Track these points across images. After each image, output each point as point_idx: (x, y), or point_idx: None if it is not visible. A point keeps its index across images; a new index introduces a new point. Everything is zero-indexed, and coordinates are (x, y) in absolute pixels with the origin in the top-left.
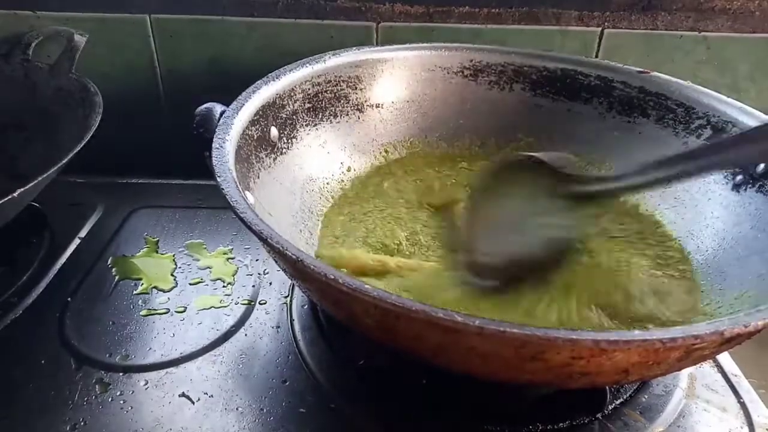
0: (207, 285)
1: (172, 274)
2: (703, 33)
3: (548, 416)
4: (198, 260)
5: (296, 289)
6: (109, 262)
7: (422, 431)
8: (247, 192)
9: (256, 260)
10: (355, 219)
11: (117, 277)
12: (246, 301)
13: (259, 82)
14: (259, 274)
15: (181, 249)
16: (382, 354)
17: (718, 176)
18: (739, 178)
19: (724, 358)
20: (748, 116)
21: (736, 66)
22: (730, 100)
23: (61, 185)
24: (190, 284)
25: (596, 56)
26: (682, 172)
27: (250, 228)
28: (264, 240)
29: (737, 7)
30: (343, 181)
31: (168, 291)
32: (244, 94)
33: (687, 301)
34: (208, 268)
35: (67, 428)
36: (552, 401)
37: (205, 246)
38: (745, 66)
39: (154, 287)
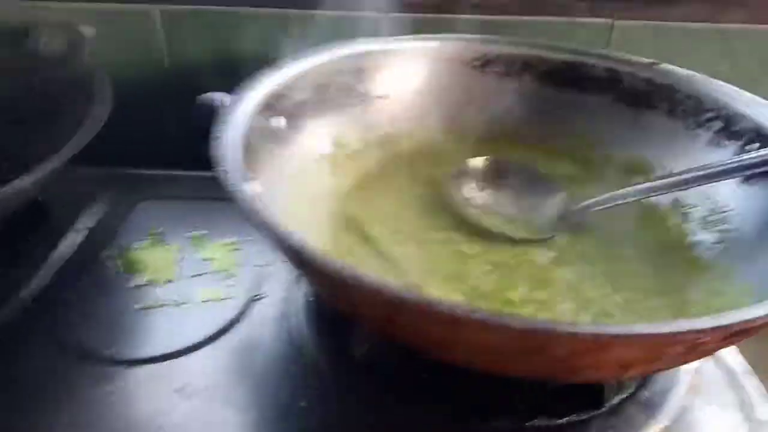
0: (209, 277)
1: (174, 266)
2: (717, 25)
3: (549, 411)
4: (201, 252)
5: (299, 281)
6: (111, 254)
7: (423, 425)
8: (250, 182)
9: (259, 252)
10: (363, 209)
11: (119, 269)
12: (248, 294)
13: (264, 71)
14: (262, 266)
15: (184, 241)
16: (385, 348)
17: None
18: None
19: (727, 353)
20: (759, 109)
21: (748, 58)
22: (740, 91)
23: (65, 177)
24: (193, 276)
25: (607, 48)
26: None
27: (252, 218)
28: (267, 230)
29: None
30: (348, 171)
31: (170, 283)
32: (249, 83)
33: None
34: (211, 260)
35: (66, 421)
36: (553, 396)
37: (208, 238)
38: (757, 58)
39: (157, 279)
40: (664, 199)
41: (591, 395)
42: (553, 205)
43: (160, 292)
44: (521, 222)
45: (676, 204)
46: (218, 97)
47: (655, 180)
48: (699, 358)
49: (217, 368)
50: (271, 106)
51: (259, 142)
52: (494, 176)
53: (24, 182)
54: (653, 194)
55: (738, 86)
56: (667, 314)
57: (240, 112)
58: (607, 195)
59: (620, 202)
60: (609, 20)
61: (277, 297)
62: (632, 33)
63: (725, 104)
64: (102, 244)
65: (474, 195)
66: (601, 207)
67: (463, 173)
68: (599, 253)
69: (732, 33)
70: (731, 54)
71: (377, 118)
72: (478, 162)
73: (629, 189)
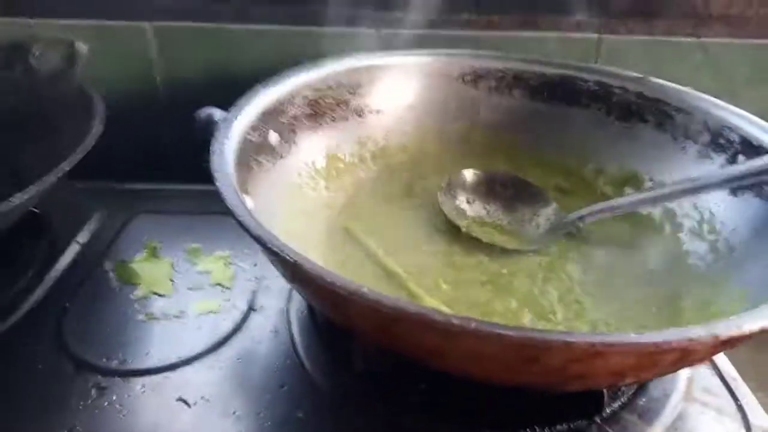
0: (205, 290)
1: (170, 279)
2: (701, 39)
3: (546, 419)
4: (197, 265)
5: (295, 294)
6: (107, 267)
7: None
8: (246, 196)
9: (255, 265)
10: (357, 222)
11: (116, 282)
12: (244, 306)
13: (259, 87)
14: (257, 279)
15: (179, 254)
16: (380, 359)
17: None
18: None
19: (722, 361)
20: (745, 122)
21: (733, 72)
22: (728, 105)
23: (61, 190)
24: (189, 289)
25: (595, 62)
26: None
27: (248, 232)
28: (262, 244)
29: (735, 14)
30: (343, 185)
31: (166, 296)
32: (244, 98)
33: None
34: (207, 273)
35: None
36: (549, 404)
37: (203, 251)
38: (742, 72)
39: (153, 292)
40: (658, 210)
41: (588, 403)
42: (544, 216)
43: (158, 305)
44: (514, 233)
45: (669, 214)
46: (217, 112)
47: (645, 192)
48: (692, 365)
49: (216, 379)
50: (266, 121)
51: (254, 157)
52: (486, 188)
53: (21, 197)
54: (643, 206)
55: (723, 99)
56: (661, 322)
57: (236, 127)
58: (597, 206)
59: (610, 213)
60: (597, 35)
61: (273, 309)
62: (619, 47)
63: (712, 117)
64: (99, 257)
65: (466, 206)
66: (592, 218)
67: (455, 185)
68: (593, 263)
69: (715, 47)
70: (714, 67)
71: (371, 132)
72: (469, 174)
73: (619, 201)
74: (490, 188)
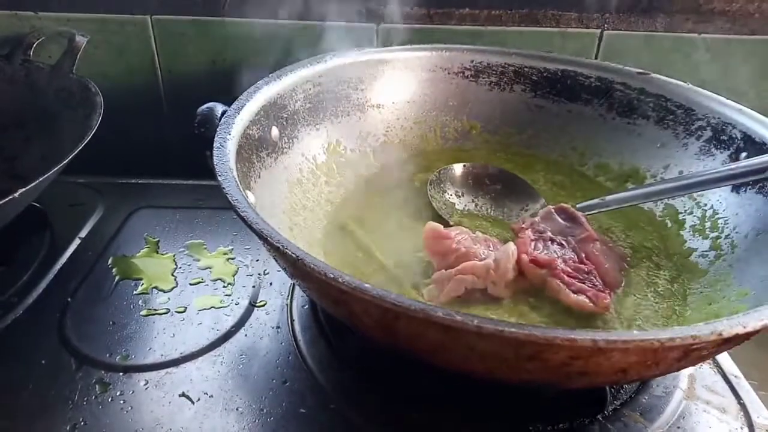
0: (207, 285)
1: (172, 274)
2: (702, 35)
3: (549, 417)
4: (198, 260)
5: (296, 289)
6: (109, 262)
7: (422, 430)
8: (247, 191)
9: (257, 261)
10: (358, 217)
11: (117, 277)
12: (246, 302)
13: (260, 82)
14: (259, 274)
15: (181, 249)
16: (382, 354)
17: None
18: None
19: (724, 359)
20: (747, 118)
21: (735, 68)
22: (729, 101)
23: (62, 185)
24: (191, 284)
25: (596, 58)
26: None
27: (250, 227)
28: (264, 239)
29: (736, 9)
30: (344, 179)
31: (168, 291)
32: (245, 93)
33: None
34: (209, 268)
35: (67, 428)
36: (552, 402)
37: (205, 246)
38: (744, 68)
39: (155, 287)
40: (659, 206)
41: (591, 401)
42: (532, 210)
43: (160, 300)
44: (504, 227)
45: (671, 211)
46: (218, 107)
47: (640, 188)
48: (695, 363)
49: (219, 375)
50: (267, 116)
51: (256, 152)
52: (474, 181)
53: (22, 192)
54: (636, 202)
55: (724, 95)
56: (664, 319)
57: (237, 122)
58: (591, 202)
59: (605, 209)
60: (598, 30)
61: (275, 305)
62: (621, 43)
63: (714, 113)
64: (100, 252)
65: (455, 200)
66: (587, 213)
67: (444, 178)
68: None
69: (716, 43)
70: (716, 63)
71: (372, 127)
72: (458, 167)
73: (611, 197)
74: (478, 182)
